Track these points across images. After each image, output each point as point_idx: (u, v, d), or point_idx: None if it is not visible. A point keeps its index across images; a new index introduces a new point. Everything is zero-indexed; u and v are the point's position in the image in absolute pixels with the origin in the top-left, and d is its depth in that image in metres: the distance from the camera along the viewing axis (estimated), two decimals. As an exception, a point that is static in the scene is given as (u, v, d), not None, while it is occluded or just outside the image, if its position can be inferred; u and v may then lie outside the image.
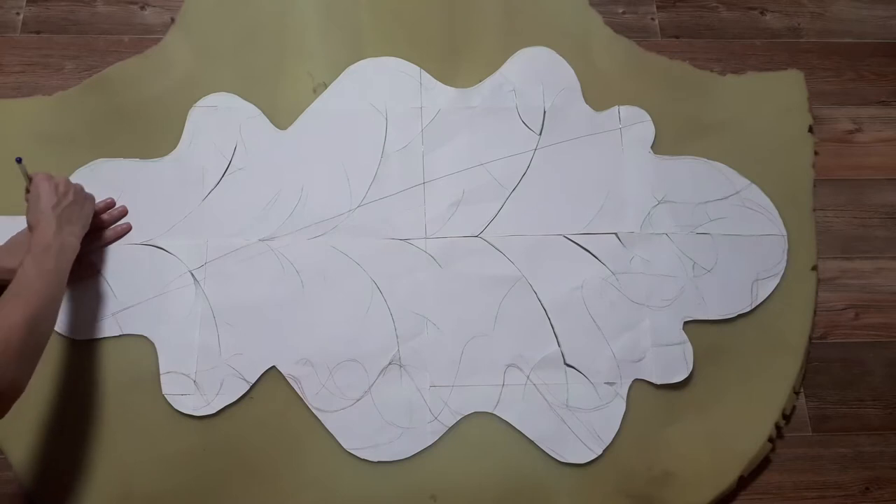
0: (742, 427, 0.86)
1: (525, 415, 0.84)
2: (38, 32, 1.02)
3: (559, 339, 0.87)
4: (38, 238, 0.75)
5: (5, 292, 0.71)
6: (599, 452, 0.83)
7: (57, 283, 0.74)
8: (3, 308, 0.68)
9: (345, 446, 0.83)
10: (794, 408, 0.88)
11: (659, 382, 0.86)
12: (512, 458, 0.83)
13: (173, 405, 0.83)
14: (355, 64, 0.99)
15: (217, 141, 0.95)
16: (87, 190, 0.87)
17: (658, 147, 0.96)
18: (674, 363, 0.86)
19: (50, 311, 0.72)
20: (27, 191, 0.81)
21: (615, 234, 0.92)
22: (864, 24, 1.08)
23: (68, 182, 0.83)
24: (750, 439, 0.85)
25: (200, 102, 0.96)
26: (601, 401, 0.85)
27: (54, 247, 0.75)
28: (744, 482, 0.85)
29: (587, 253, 0.91)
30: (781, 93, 1.01)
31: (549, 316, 0.88)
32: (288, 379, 0.85)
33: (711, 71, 1.02)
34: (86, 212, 0.84)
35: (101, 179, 0.92)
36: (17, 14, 1.03)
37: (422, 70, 0.99)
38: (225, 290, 0.88)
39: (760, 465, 0.85)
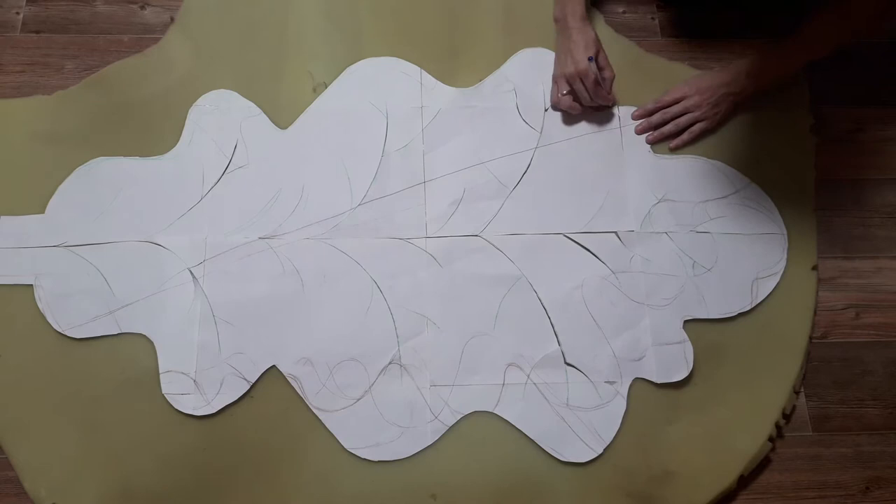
0: (742, 426, 0.85)
1: (525, 414, 0.84)
2: (37, 32, 1.02)
3: (559, 338, 0.87)
4: None
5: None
6: (600, 451, 0.83)
7: None
8: None
9: (345, 446, 0.83)
10: (794, 407, 0.88)
11: (659, 381, 0.86)
12: (512, 457, 0.83)
13: (173, 405, 0.83)
14: (355, 63, 0.99)
15: (217, 139, 0.94)
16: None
17: (658, 146, 0.96)
18: (674, 362, 0.86)
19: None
20: None
21: (615, 232, 0.92)
22: (864, 24, 1.08)
23: None
24: (750, 439, 0.85)
25: (200, 100, 0.96)
26: (601, 400, 0.85)
27: None
28: (744, 482, 0.84)
29: (587, 252, 0.91)
30: (782, 92, 1.01)
31: (550, 315, 0.88)
32: (288, 378, 0.85)
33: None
34: None
35: (100, 177, 0.92)
36: (17, 14, 1.03)
37: (422, 70, 0.99)
38: (224, 288, 0.88)
39: (760, 465, 0.85)
